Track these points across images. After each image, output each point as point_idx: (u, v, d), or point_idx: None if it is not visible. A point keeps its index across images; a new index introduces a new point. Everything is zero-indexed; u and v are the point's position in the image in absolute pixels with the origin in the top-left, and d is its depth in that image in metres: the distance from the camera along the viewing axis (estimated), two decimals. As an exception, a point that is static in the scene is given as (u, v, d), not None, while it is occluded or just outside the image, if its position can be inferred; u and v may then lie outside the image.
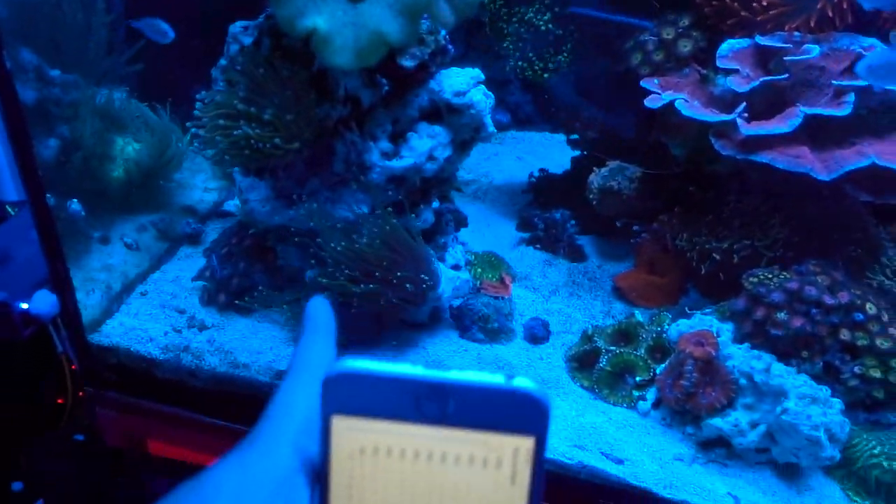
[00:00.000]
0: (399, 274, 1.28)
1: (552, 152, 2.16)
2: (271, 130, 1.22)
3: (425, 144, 1.38)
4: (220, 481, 0.37)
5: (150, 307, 1.54)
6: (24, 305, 1.78)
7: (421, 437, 0.35)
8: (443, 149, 1.39)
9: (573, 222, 1.76)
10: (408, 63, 1.30)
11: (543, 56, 1.63)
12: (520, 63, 1.65)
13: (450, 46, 1.38)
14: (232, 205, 1.85)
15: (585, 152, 1.79)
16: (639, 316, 1.46)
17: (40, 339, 1.88)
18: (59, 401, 2.14)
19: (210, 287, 1.53)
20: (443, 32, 1.33)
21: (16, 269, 1.89)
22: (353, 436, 0.36)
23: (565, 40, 1.60)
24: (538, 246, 1.77)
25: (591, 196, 1.67)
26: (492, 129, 1.44)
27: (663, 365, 1.35)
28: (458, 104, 1.38)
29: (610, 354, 1.38)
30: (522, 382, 0.35)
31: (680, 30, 1.50)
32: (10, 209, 2.31)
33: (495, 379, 0.35)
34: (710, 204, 1.51)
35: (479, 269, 1.60)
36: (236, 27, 1.35)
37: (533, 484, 0.36)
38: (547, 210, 1.79)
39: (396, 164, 1.36)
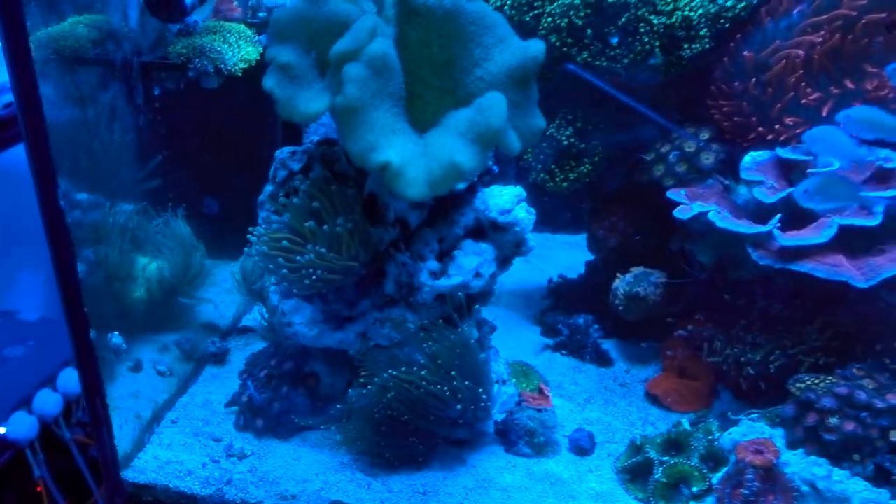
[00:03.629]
0: (460, 396, 1.27)
1: (557, 254, 2.20)
2: (335, 255, 1.22)
3: (472, 262, 1.39)
4: None
5: (184, 436, 1.48)
6: (2, 430, 1.69)
7: None
8: (489, 265, 1.41)
9: (596, 326, 1.79)
10: (460, 186, 1.32)
11: (564, 168, 1.67)
12: (542, 175, 1.69)
13: (495, 166, 1.41)
14: (251, 319, 1.81)
15: (602, 256, 1.82)
16: (685, 424, 1.47)
17: (16, 463, 1.77)
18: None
19: (246, 412, 1.48)
20: (489, 153, 1.36)
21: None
22: None
23: (588, 153, 1.66)
24: (564, 352, 1.78)
25: (616, 301, 1.69)
26: (532, 244, 1.47)
27: (719, 474, 1.36)
28: (504, 222, 1.40)
29: (664, 465, 1.38)
30: None
31: (701, 143, 1.57)
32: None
33: None
34: (740, 310, 1.55)
35: (514, 380, 1.59)
36: (283, 153, 1.35)
37: None
38: (569, 315, 1.81)
39: (445, 283, 1.36)
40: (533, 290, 2.05)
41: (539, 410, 1.51)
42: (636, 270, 1.70)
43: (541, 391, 1.56)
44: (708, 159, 1.58)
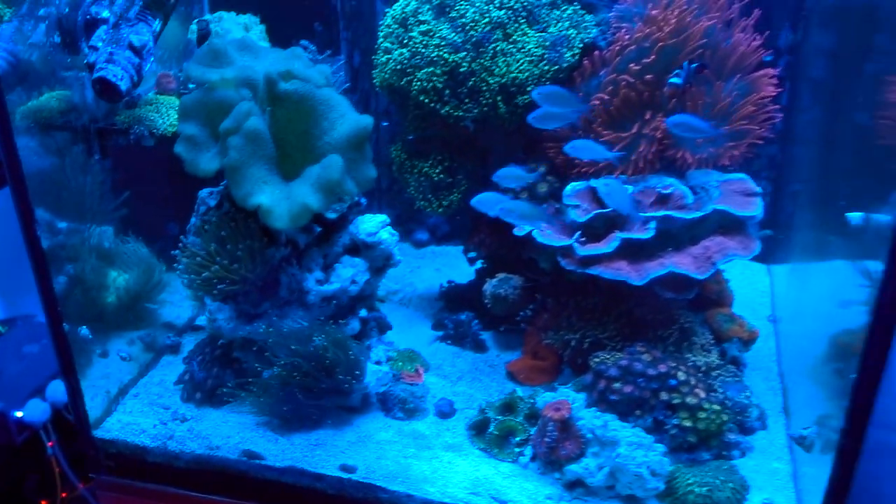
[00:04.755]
0: (337, 370, 1.73)
1: (464, 264, 2.64)
2: (235, 269, 1.69)
3: (348, 272, 1.85)
4: None
5: (141, 405, 1.96)
6: (19, 414, 2.14)
7: None
8: (362, 274, 1.87)
9: (476, 321, 2.23)
10: (331, 216, 1.79)
11: (438, 197, 2.13)
12: (422, 202, 2.15)
13: (363, 200, 1.87)
14: (203, 320, 2.29)
15: (482, 265, 2.27)
16: (520, 392, 1.92)
17: (32, 443, 2.22)
18: (43, 503, 2.45)
19: (189, 388, 1.95)
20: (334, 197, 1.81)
21: (7, 383, 2.24)
22: None
23: (456, 185, 2.11)
24: (449, 342, 2.23)
25: (485, 301, 2.14)
26: (398, 258, 1.93)
27: (536, 427, 1.80)
28: (371, 242, 1.86)
29: (497, 422, 1.82)
30: None
31: (538, 176, 2.02)
32: (-1, 327, 2.68)
33: None
34: (569, 304, 1.99)
35: (400, 363, 2.04)
36: (204, 192, 1.83)
37: None
38: (455, 313, 2.26)
39: (327, 288, 1.82)
40: (437, 294, 2.50)
41: (412, 384, 1.96)
42: (500, 276, 2.14)
43: (417, 371, 2.01)
44: (543, 189, 2.02)
